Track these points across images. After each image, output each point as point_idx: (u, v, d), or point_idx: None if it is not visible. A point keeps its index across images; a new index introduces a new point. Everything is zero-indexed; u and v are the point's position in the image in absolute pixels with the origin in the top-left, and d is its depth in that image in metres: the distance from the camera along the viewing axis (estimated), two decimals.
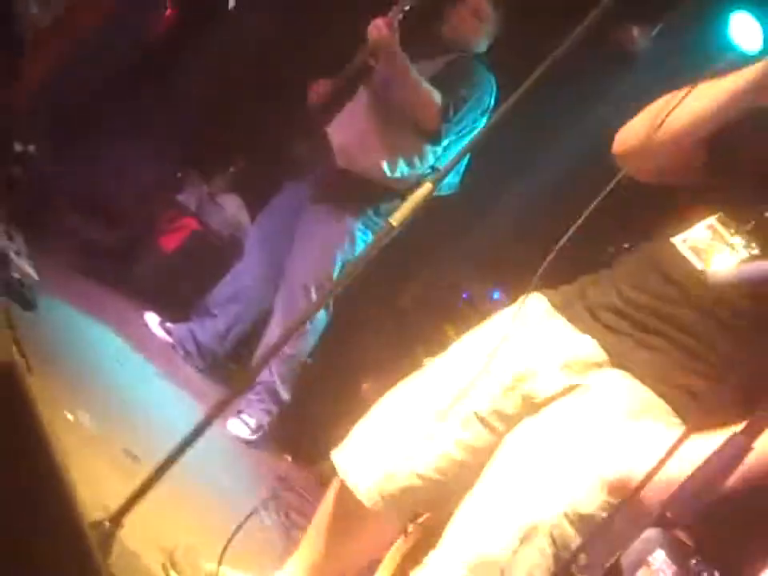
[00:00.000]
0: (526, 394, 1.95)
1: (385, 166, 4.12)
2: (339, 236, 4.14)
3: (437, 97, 3.98)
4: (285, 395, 4.22)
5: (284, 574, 2.25)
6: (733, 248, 1.91)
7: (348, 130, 4.20)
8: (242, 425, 4.09)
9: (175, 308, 4.71)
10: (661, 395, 1.87)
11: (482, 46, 4.31)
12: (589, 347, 1.93)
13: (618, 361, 1.91)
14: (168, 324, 4.52)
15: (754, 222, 1.93)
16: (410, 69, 3.97)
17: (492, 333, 2.04)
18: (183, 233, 5.33)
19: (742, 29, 4.49)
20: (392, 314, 4.95)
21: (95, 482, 2.19)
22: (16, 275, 3.03)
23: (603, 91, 4.77)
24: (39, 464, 1.26)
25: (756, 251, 1.91)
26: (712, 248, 1.93)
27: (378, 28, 3.91)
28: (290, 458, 4.39)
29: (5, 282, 2.84)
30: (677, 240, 1.95)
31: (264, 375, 4.11)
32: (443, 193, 3.96)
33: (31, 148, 3.40)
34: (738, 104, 1.89)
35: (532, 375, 1.95)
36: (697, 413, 1.85)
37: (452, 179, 4.00)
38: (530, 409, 1.94)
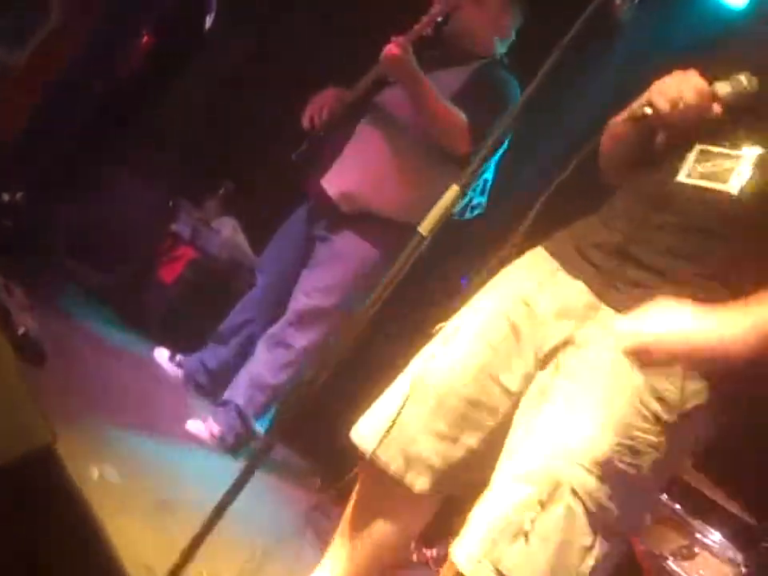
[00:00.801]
0: (532, 350, 1.99)
1: (406, 203, 3.77)
2: (351, 277, 3.88)
3: (462, 117, 3.65)
4: (255, 425, 3.91)
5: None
6: (737, 157, 1.92)
7: (353, 173, 3.85)
8: (203, 427, 3.80)
9: (183, 338, 4.62)
10: None
11: (496, 43, 3.98)
12: (581, 294, 1.99)
13: (605, 301, 1.96)
14: (178, 357, 4.43)
15: (740, 130, 1.95)
16: (434, 92, 3.64)
17: (496, 289, 2.12)
18: (181, 262, 5.27)
19: None
20: (410, 324, 4.85)
21: (131, 541, 2.12)
22: (21, 330, 2.94)
23: (592, 65, 4.69)
24: (83, 541, 1.28)
25: (759, 149, 1.92)
26: (721, 166, 1.94)
27: (391, 56, 3.60)
28: (319, 481, 4.30)
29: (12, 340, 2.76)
30: (681, 178, 1.97)
31: (236, 397, 3.88)
32: (472, 215, 3.85)
33: (18, 196, 3.31)
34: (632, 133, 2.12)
35: (534, 329, 2.00)
36: None
37: (479, 199, 3.83)
38: (538, 363, 1.98)
